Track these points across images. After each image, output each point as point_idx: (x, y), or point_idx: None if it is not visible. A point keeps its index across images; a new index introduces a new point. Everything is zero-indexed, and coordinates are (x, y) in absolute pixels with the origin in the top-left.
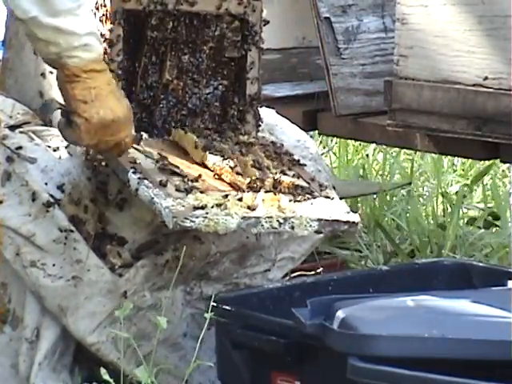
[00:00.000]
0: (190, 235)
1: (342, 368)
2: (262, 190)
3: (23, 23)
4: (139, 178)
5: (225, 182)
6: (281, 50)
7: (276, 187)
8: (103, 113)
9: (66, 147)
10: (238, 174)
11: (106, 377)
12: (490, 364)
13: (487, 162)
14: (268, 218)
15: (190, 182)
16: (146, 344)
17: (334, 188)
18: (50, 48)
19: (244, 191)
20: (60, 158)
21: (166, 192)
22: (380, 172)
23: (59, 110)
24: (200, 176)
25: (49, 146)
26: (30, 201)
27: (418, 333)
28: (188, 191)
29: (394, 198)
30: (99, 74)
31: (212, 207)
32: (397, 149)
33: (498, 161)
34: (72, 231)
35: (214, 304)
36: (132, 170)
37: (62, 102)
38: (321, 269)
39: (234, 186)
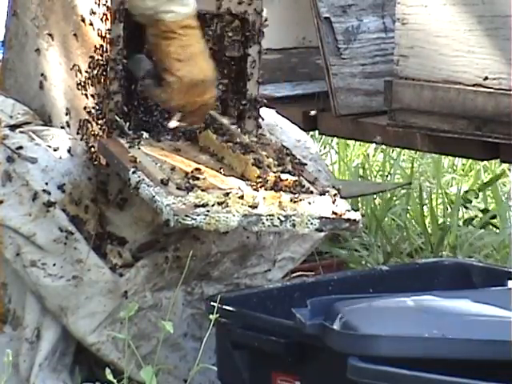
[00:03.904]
0: (191, 235)
1: (342, 368)
2: (263, 189)
3: None
4: (140, 177)
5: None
6: (281, 50)
7: (277, 185)
8: (195, 72)
9: (68, 150)
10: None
11: (110, 377)
12: (490, 364)
13: (491, 165)
14: (269, 215)
15: (190, 181)
16: (146, 344)
17: (334, 187)
18: (147, 2)
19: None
20: (60, 157)
21: (167, 190)
22: (380, 172)
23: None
24: (201, 174)
25: (49, 146)
26: (30, 201)
27: (418, 333)
28: (189, 189)
29: (394, 198)
30: (193, 30)
31: (213, 205)
32: (397, 149)
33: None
34: (72, 231)
35: (214, 304)
36: (133, 169)
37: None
38: (320, 269)
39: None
